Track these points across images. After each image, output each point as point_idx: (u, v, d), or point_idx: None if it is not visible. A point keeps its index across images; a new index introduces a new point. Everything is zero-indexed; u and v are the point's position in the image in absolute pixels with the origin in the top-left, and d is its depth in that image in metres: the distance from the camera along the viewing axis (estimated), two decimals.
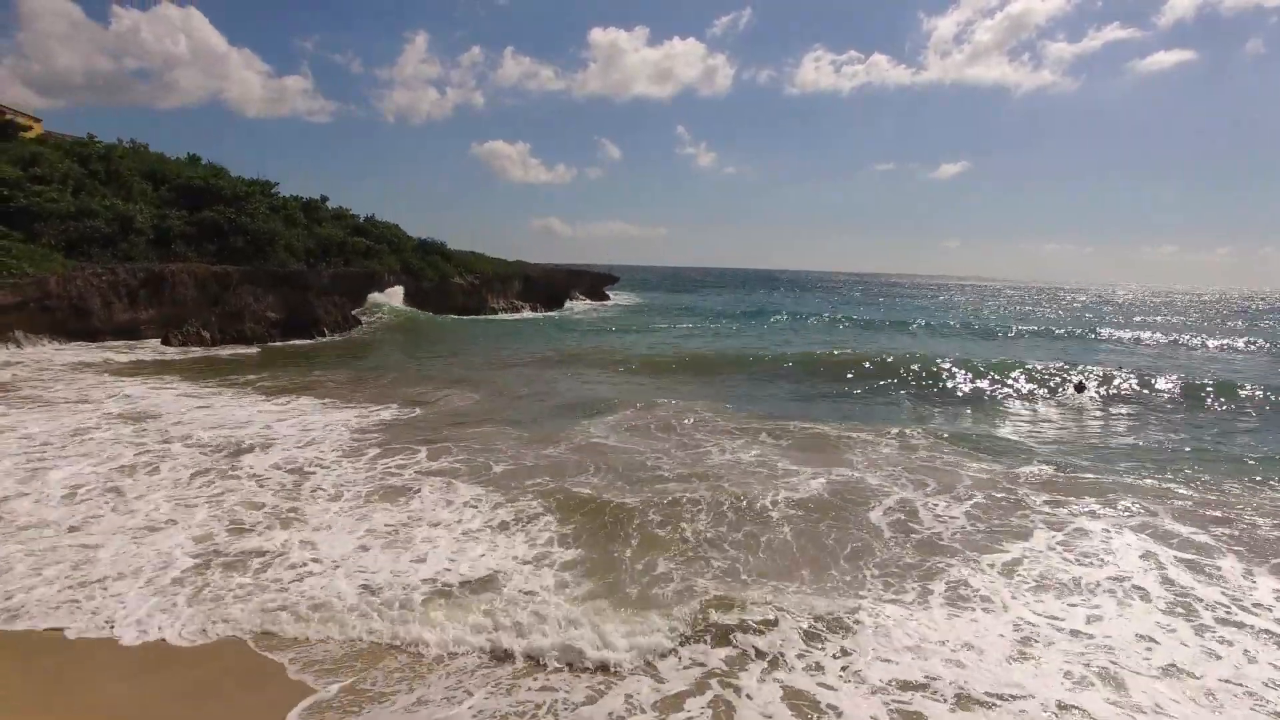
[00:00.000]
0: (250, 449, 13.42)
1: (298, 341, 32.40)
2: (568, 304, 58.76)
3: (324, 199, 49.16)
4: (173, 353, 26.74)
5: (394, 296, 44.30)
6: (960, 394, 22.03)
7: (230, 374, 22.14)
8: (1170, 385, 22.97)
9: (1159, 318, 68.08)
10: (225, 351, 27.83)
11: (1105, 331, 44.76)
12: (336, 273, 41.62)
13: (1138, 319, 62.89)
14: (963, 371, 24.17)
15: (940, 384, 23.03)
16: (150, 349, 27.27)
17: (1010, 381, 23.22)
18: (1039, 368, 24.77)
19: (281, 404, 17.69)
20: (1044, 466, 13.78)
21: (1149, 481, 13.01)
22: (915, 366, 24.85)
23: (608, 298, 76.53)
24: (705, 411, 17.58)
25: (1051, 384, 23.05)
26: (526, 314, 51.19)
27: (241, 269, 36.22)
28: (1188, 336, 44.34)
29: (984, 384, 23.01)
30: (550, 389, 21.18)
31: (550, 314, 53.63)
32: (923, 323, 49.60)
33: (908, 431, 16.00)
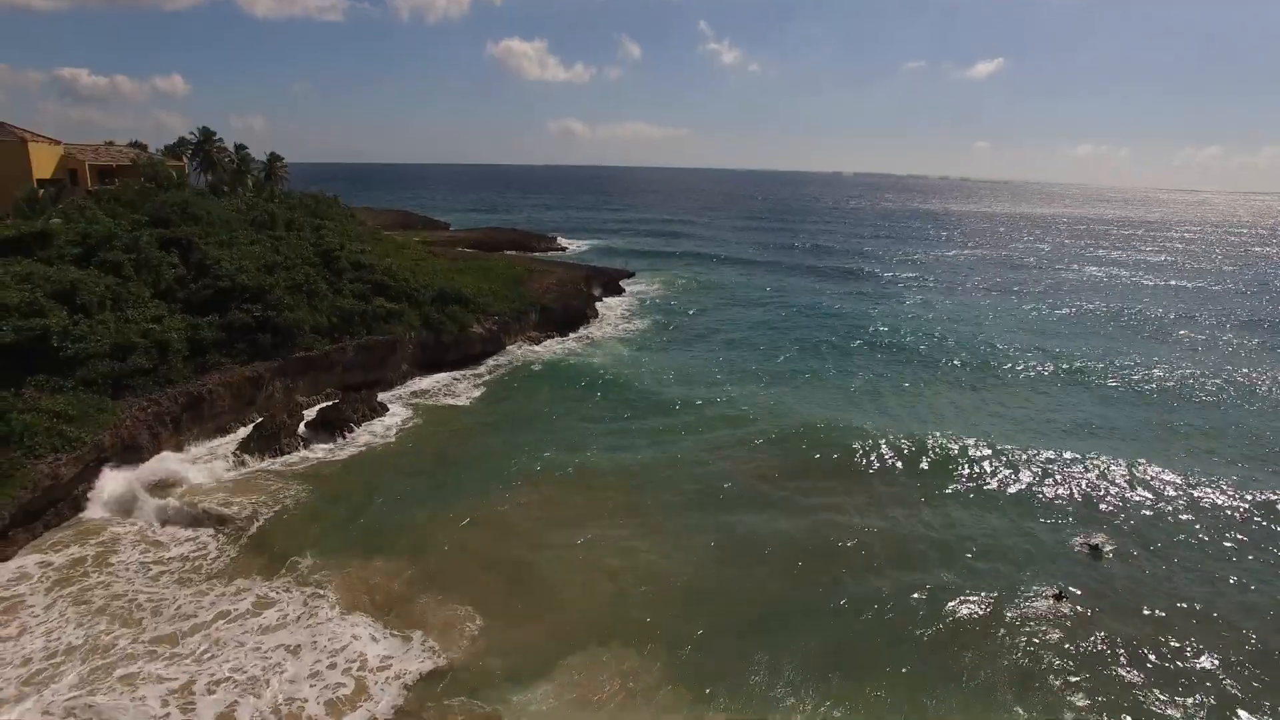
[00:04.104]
0: None
1: (331, 447, 34.83)
2: (583, 328, 60.08)
3: (341, 247, 50.45)
4: (226, 498, 29.25)
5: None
6: None
7: (286, 553, 25.12)
8: None
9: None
10: (270, 482, 30.32)
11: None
12: (360, 344, 43.57)
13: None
14: None
15: None
16: (197, 490, 29.82)
17: None
18: None
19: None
20: None
21: None
22: None
23: (623, 290, 77.84)
24: None
25: None
26: (542, 351, 52.88)
27: (272, 365, 38.48)
28: None
29: None
30: None
31: (566, 341, 55.49)
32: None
33: None
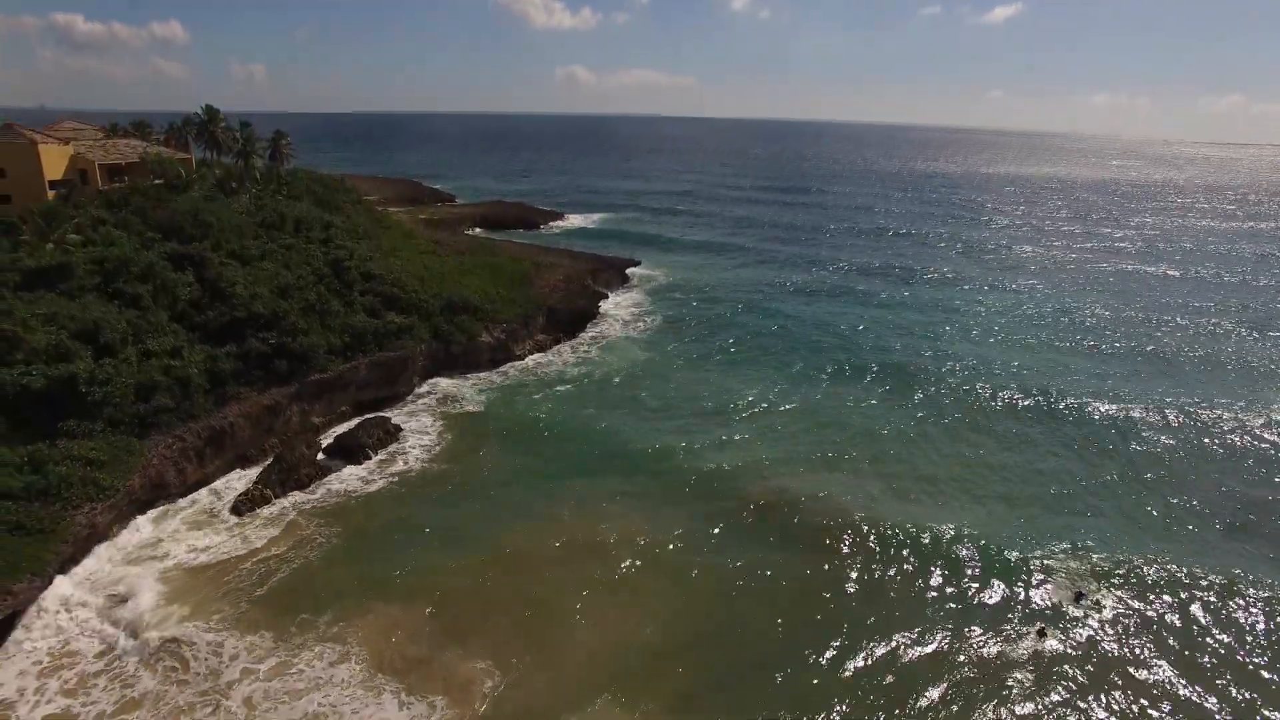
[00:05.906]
0: None
1: (349, 478, 36.33)
2: (590, 328, 60.97)
3: (350, 255, 51.16)
4: (252, 537, 30.87)
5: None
6: None
7: (313, 606, 26.74)
8: None
9: None
10: (297, 523, 31.94)
11: None
12: (373, 361, 44.72)
13: None
14: None
15: None
16: (216, 533, 31.41)
17: None
18: None
19: None
20: None
21: None
22: None
23: (630, 279, 78.38)
24: None
25: None
26: (550, 359, 53.89)
27: (288, 391, 39.75)
28: None
29: None
30: None
31: (575, 347, 56.51)
32: None
33: None
